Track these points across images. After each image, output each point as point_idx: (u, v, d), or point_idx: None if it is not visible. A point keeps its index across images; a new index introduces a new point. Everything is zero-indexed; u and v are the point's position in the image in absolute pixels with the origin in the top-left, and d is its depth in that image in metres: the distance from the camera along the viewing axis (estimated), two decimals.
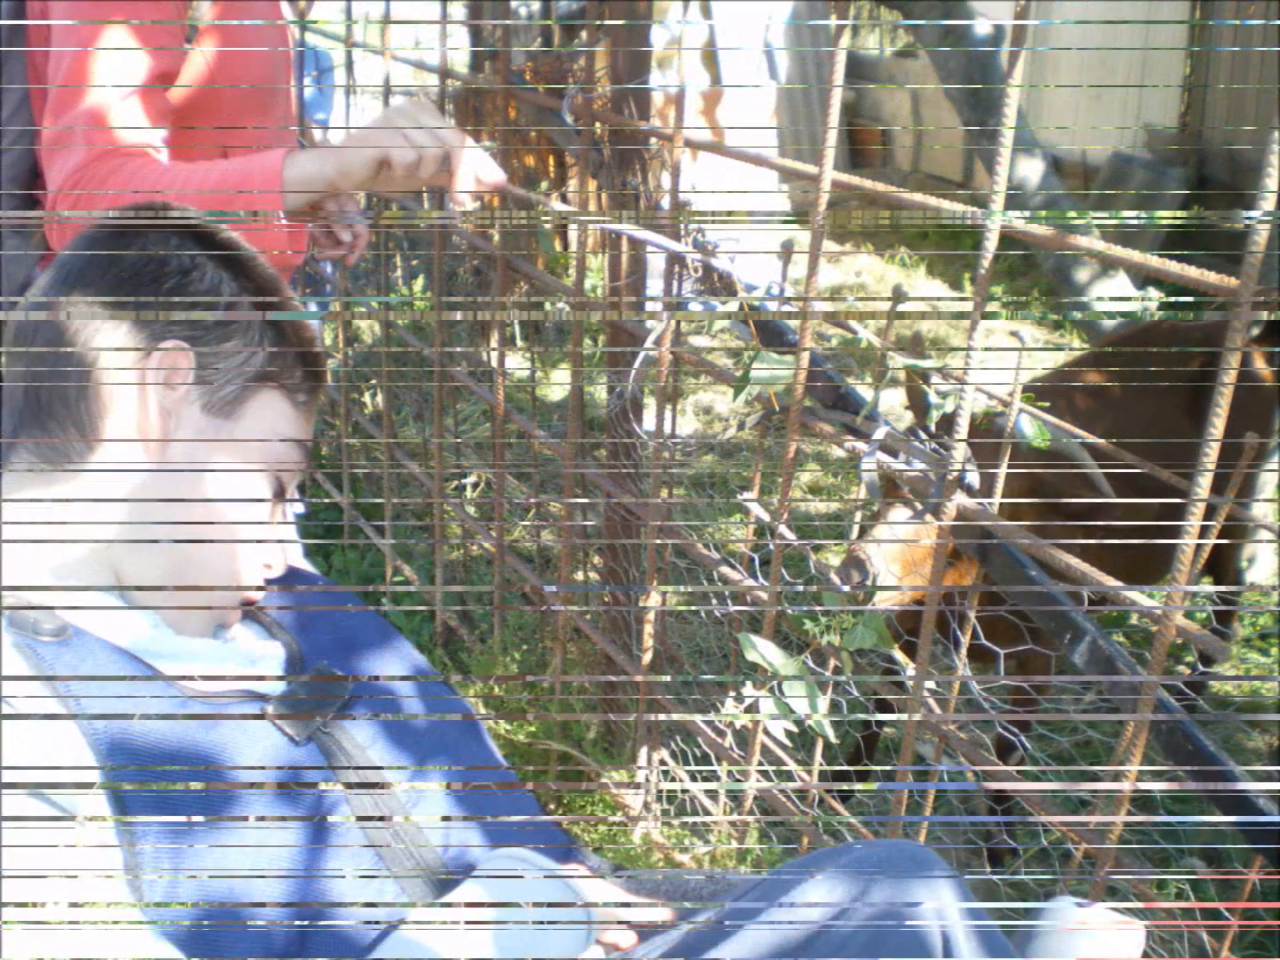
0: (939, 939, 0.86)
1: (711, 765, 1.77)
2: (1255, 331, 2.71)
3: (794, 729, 1.45)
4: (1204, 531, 1.16)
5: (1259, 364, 2.58)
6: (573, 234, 5.42)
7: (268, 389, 0.99)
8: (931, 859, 0.89)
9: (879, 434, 1.38)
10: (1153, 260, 1.02)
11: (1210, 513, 1.14)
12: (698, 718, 1.49)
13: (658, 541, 1.72)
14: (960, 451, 1.29)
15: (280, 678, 0.98)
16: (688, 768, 1.89)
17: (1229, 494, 1.22)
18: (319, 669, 0.97)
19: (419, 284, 4.78)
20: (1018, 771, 2.28)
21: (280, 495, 1.01)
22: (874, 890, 0.87)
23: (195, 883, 0.81)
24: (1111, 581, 1.18)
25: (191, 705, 0.88)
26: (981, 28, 2.88)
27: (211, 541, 0.96)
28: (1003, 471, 1.35)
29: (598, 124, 1.74)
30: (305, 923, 0.86)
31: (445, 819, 0.97)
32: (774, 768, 1.69)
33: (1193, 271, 0.99)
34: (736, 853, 1.60)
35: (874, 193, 1.28)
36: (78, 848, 0.72)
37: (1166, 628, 1.11)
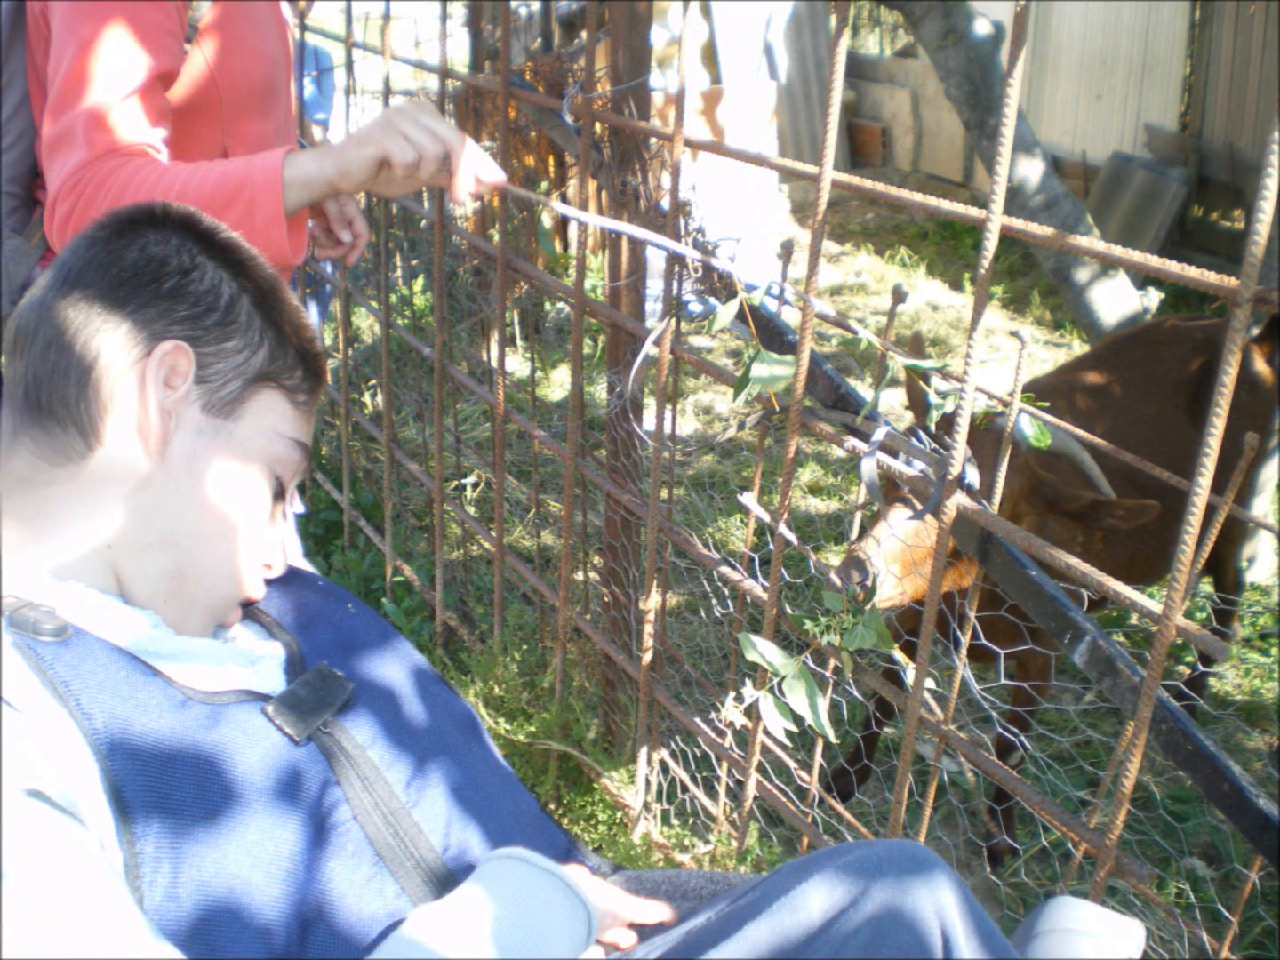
0: (939, 939, 0.86)
1: (711, 765, 1.76)
2: (1255, 331, 2.71)
3: (794, 729, 1.45)
4: (1204, 532, 1.16)
5: (1259, 365, 2.58)
6: (573, 234, 5.41)
7: (268, 389, 0.99)
8: (932, 859, 0.89)
9: (879, 434, 1.37)
10: (1153, 260, 1.02)
11: (1210, 513, 1.14)
12: (698, 719, 1.48)
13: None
14: (960, 451, 1.29)
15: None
16: (688, 769, 1.88)
17: (1228, 494, 1.22)
18: (319, 669, 0.97)
19: (419, 284, 4.78)
20: (1018, 771, 2.28)
21: (280, 496, 1.01)
22: (874, 890, 0.86)
23: (196, 882, 0.81)
24: (1112, 582, 1.18)
25: (191, 705, 0.88)
26: (981, 27, 2.87)
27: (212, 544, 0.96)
28: (1003, 472, 1.35)
29: (598, 124, 1.74)
30: (305, 922, 0.86)
31: (446, 819, 0.97)
32: (774, 768, 1.69)
33: (1192, 272, 0.99)
34: (736, 852, 1.60)
35: (874, 193, 1.28)
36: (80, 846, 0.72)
37: (1166, 628, 1.11)
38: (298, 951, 0.84)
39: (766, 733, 1.55)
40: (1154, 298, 3.37)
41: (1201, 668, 2.78)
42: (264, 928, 0.82)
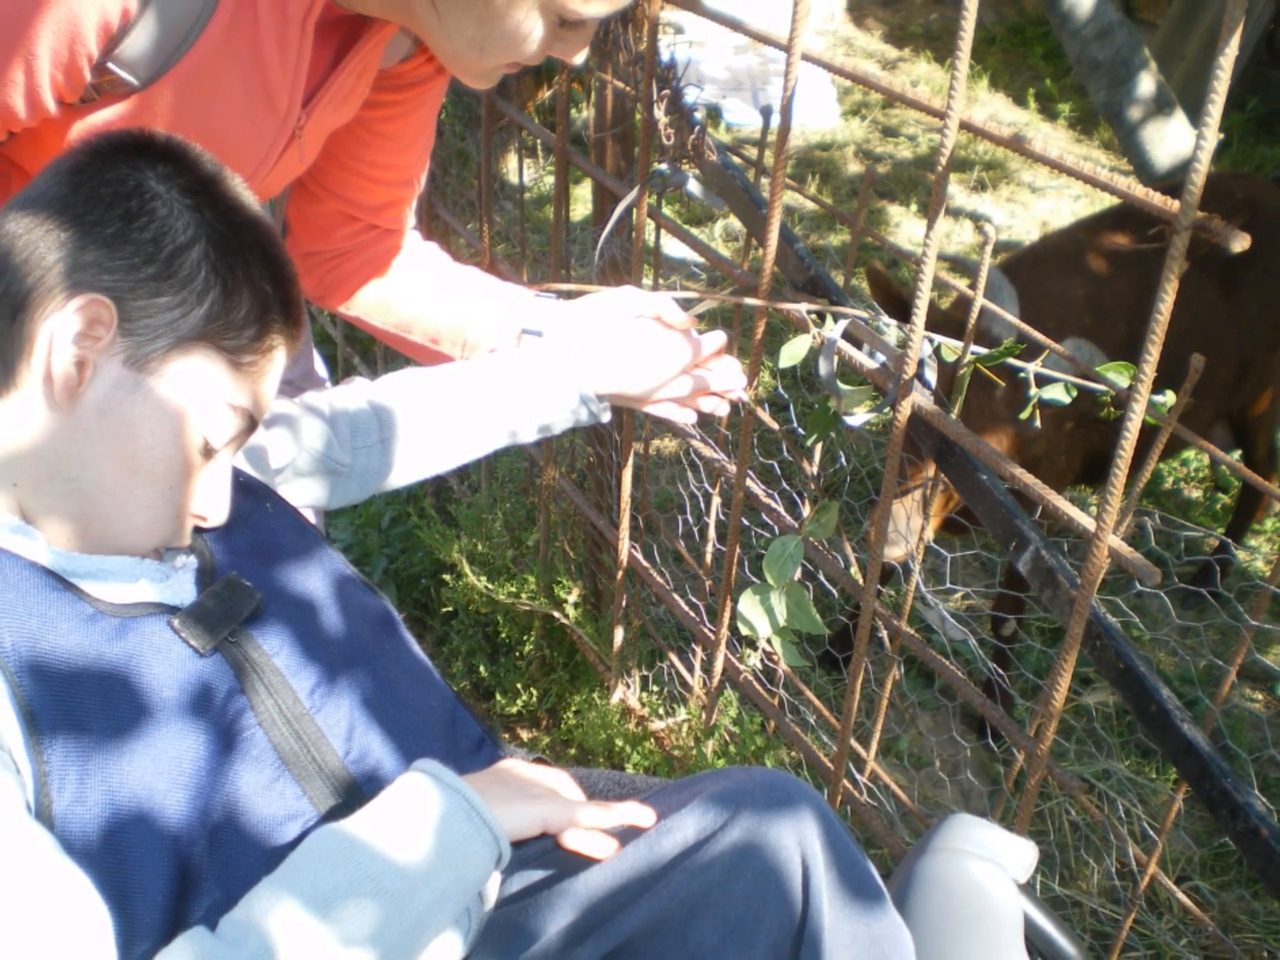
0: (799, 866, 0.90)
1: (690, 640, 1.79)
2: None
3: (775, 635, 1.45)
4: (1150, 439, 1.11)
5: None
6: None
7: (203, 349, 0.95)
8: (801, 791, 0.93)
9: (837, 330, 1.33)
10: (1101, 175, 0.95)
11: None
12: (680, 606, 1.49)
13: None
14: (916, 350, 1.24)
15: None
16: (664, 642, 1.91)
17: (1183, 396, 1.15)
18: (228, 580, 0.99)
19: None
20: (1014, 647, 2.30)
21: (208, 454, 0.98)
22: (741, 817, 0.91)
23: (102, 789, 0.85)
24: (1051, 496, 1.16)
25: (100, 619, 0.90)
26: None
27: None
28: (967, 369, 1.30)
29: None
30: (211, 826, 0.90)
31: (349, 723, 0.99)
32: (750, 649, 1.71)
33: (1138, 190, 0.92)
34: (704, 727, 1.63)
35: None
36: None
37: (1098, 549, 1.09)
38: (205, 852, 0.88)
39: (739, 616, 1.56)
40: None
41: (1229, 541, 2.69)
42: (169, 831, 0.87)
